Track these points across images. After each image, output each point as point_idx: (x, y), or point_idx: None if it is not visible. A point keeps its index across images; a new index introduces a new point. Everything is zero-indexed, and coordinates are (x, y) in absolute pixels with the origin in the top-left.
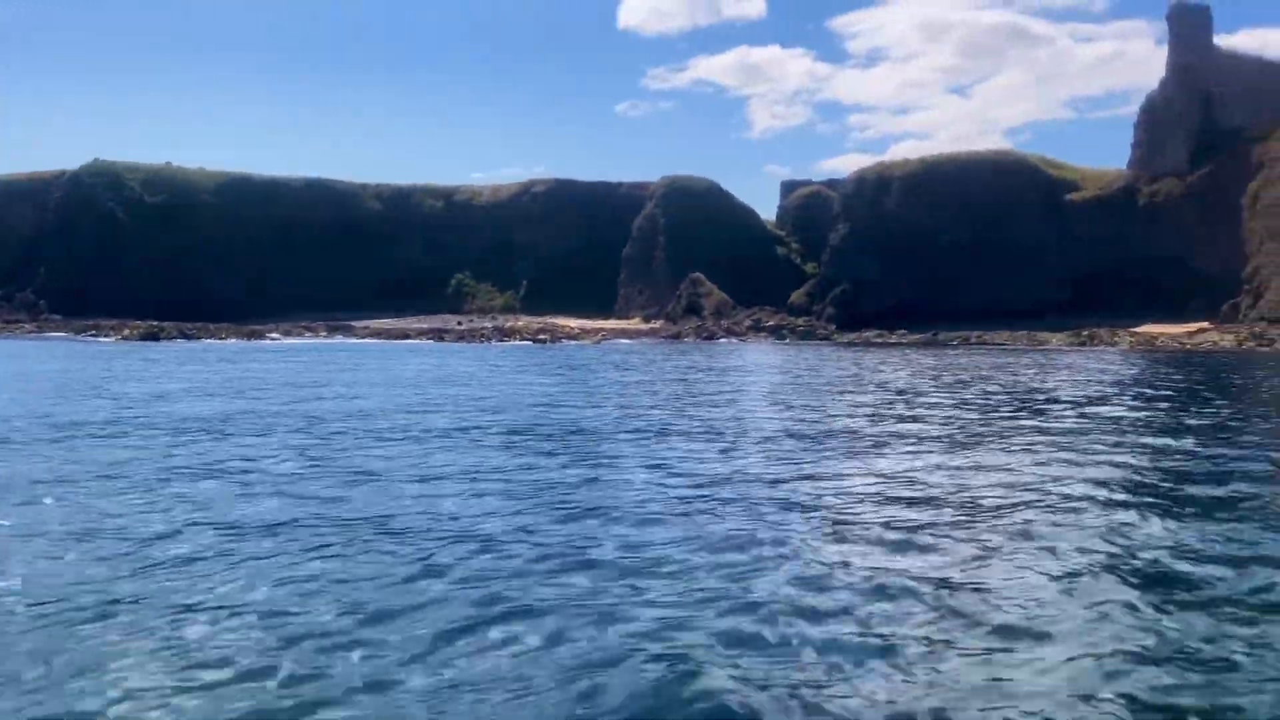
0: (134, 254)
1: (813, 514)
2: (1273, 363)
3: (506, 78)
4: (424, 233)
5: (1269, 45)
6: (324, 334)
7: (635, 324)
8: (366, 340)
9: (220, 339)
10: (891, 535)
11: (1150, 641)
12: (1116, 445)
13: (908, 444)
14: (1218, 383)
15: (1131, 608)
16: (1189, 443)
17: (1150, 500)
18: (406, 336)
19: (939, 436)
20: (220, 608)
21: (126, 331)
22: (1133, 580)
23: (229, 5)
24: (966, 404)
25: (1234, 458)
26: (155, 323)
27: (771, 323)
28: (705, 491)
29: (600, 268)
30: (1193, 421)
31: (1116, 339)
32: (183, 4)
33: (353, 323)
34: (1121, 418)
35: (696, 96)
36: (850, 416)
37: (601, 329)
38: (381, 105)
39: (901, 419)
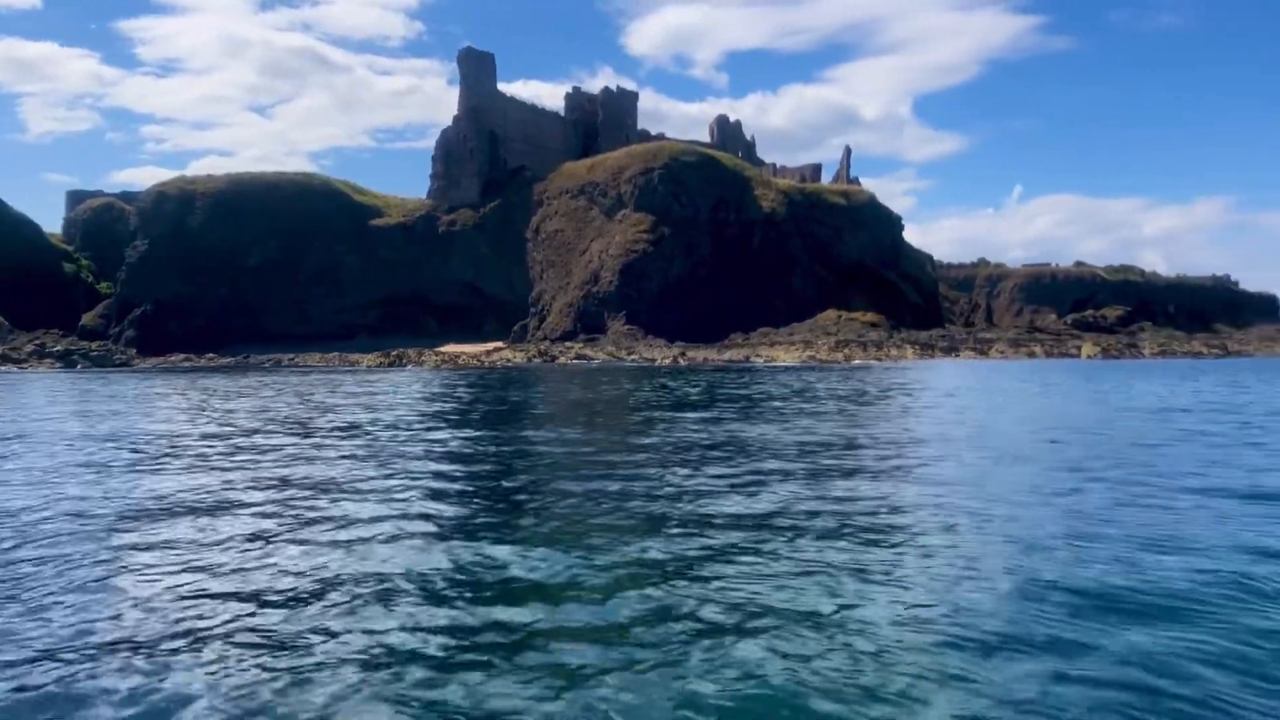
0: None
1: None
2: (552, 374)
3: None
4: None
5: (543, 96)
6: None
7: None
8: None
9: None
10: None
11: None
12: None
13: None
14: (506, 390)
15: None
16: (468, 439)
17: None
18: None
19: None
20: None
21: None
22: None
23: None
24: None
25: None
26: None
27: (59, 348)
28: None
29: None
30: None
31: (424, 358)
32: None
33: None
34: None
35: None
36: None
37: None
38: None
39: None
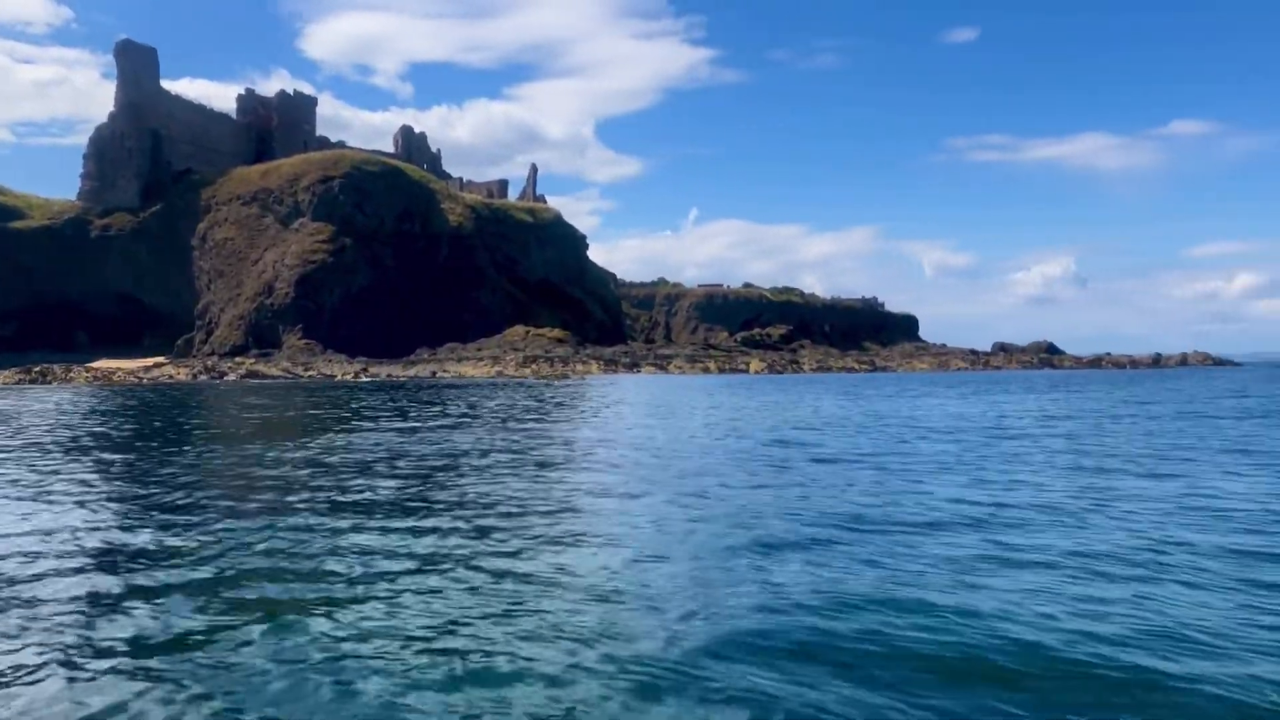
0: None
1: None
2: (223, 391)
3: None
4: None
5: (212, 96)
6: None
7: None
8: None
9: None
10: None
11: None
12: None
13: None
14: (174, 411)
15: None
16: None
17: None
18: None
19: None
20: None
21: None
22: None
23: None
24: None
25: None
26: None
27: None
28: None
29: None
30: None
31: (72, 375)
32: None
33: None
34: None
35: None
36: None
37: None
38: None
39: None
